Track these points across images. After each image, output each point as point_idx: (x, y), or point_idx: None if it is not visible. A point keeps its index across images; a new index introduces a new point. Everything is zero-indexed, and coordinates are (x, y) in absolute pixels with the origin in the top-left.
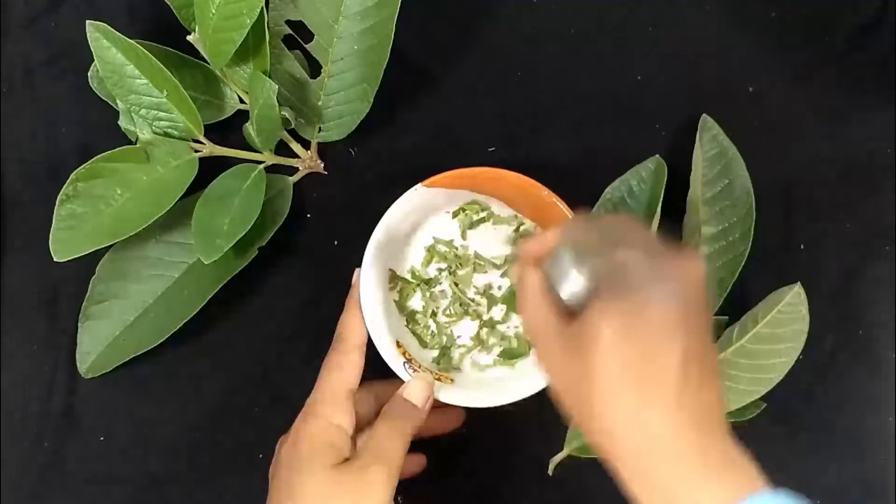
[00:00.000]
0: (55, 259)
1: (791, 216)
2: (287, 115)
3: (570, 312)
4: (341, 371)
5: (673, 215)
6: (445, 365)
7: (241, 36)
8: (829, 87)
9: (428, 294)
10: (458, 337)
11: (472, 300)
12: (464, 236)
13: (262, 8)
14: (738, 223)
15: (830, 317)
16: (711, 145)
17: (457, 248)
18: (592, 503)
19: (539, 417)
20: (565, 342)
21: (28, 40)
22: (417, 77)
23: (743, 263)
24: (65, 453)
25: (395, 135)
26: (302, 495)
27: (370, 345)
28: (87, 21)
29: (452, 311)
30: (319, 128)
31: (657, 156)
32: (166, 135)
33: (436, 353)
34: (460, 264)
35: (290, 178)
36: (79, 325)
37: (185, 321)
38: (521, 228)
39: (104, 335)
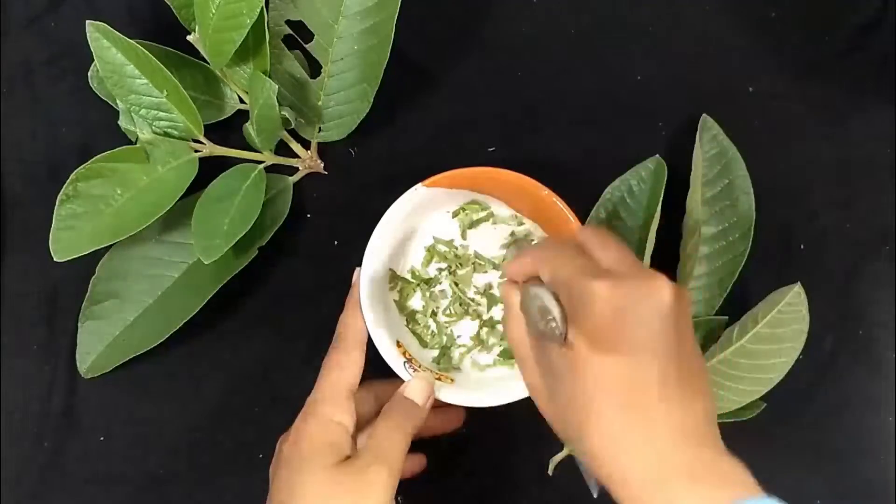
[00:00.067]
0: (55, 259)
1: (791, 216)
2: (287, 115)
3: (550, 337)
4: (342, 370)
5: (673, 215)
6: (445, 365)
7: (241, 36)
8: (829, 87)
9: (428, 294)
10: (458, 337)
11: (472, 300)
12: (464, 236)
13: (262, 8)
14: (738, 223)
15: (830, 317)
16: (711, 145)
17: (457, 248)
18: (592, 503)
19: (539, 417)
20: (546, 368)
21: (28, 40)
22: (417, 77)
23: (743, 263)
24: (65, 453)
25: (395, 135)
26: (302, 495)
27: (370, 345)
28: (87, 21)
29: (452, 311)
30: (319, 128)
31: (657, 156)
32: (166, 135)
33: (436, 352)
34: (460, 264)
35: (290, 178)
36: (79, 325)
37: (185, 321)
38: (521, 228)
39: (104, 335)
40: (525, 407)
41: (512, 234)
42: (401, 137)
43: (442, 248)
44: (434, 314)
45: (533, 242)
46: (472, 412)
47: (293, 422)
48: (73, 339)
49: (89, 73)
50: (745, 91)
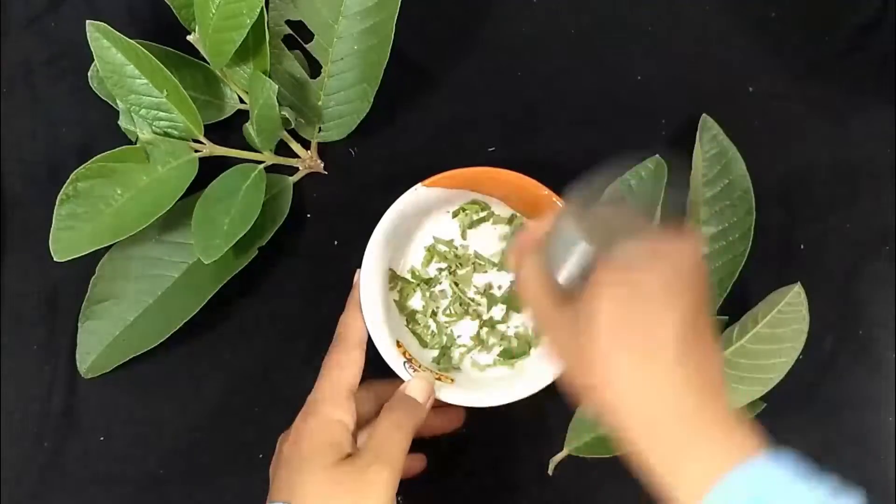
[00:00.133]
0: (55, 259)
1: (791, 216)
2: (287, 115)
3: (569, 297)
4: (342, 370)
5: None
6: (445, 365)
7: (241, 36)
8: (829, 87)
9: (428, 294)
10: (458, 337)
11: (472, 300)
12: (464, 236)
13: (262, 8)
14: (738, 223)
15: (830, 317)
16: (711, 145)
17: (457, 248)
18: (592, 503)
19: (539, 417)
20: (569, 320)
21: (28, 40)
22: (417, 77)
23: (743, 263)
24: (65, 453)
25: (395, 135)
26: (302, 494)
27: (370, 344)
28: (87, 21)
29: (452, 311)
30: (319, 128)
31: (657, 156)
32: (166, 135)
33: (436, 352)
34: (460, 264)
35: (290, 178)
36: (79, 325)
37: (185, 321)
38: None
39: (104, 335)
40: (525, 407)
41: (512, 234)
42: (401, 137)
43: (442, 247)
44: (434, 314)
45: None
46: (472, 412)
47: (293, 422)
48: (73, 339)
49: (89, 73)
50: (745, 91)
